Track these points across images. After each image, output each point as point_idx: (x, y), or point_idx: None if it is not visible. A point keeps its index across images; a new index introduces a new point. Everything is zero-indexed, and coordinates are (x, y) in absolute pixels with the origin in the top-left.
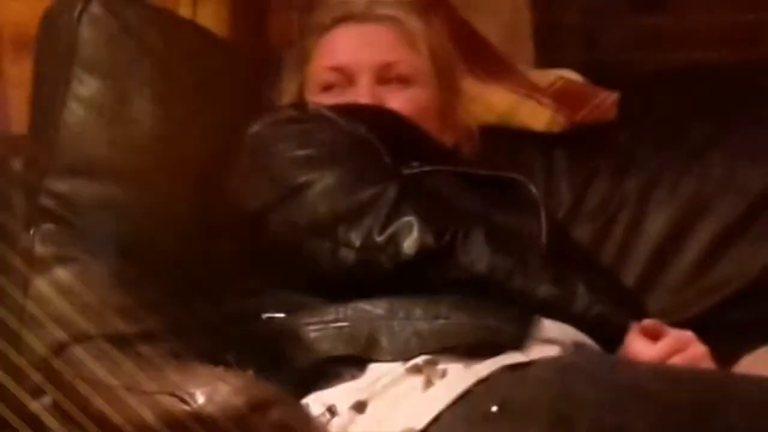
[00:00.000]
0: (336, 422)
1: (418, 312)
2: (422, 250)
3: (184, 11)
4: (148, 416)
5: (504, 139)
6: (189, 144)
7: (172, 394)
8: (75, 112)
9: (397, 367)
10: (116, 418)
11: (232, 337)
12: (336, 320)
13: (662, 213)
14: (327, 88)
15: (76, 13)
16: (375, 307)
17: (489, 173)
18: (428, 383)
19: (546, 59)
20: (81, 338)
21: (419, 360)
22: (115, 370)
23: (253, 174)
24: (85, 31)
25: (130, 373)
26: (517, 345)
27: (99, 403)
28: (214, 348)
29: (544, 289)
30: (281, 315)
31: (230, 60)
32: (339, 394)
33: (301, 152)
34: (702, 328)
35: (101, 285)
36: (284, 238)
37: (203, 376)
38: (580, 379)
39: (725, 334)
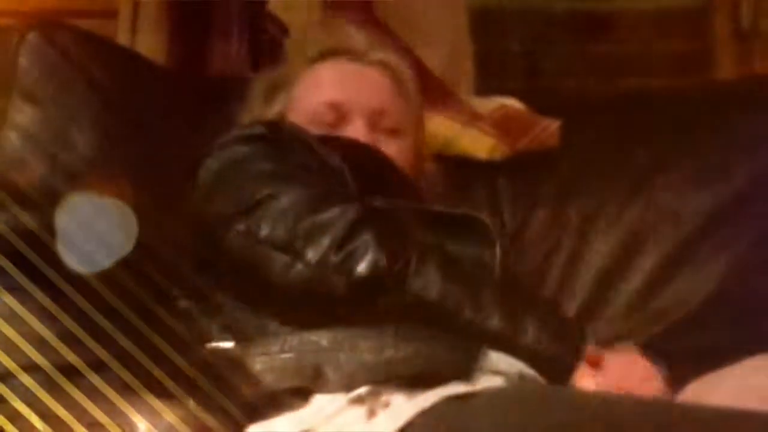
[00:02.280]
0: None
1: (363, 344)
2: (375, 272)
3: (123, 39)
4: None
5: (447, 167)
6: (127, 171)
7: (115, 426)
8: (12, 141)
9: (341, 398)
10: None
11: (177, 366)
12: (281, 351)
13: (605, 242)
14: (316, 121)
15: (15, 43)
16: (320, 338)
17: (447, 211)
18: (371, 414)
19: (487, 86)
20: (25, 368)
21: (362, 390)
22: (59, 400)
23: (218, 185)
24: (25, 60)
25: (73, 404)
26: (463, 376)
27: None
28: (159, 377)
29: (494, 322)
30: (227, 345)
31: (169, 87)
32: (283, 425)
33: (268, 167)
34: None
35: (45, 314)
36: (242, 250)
37: (146, 408)
38: (522, 409)
39: (668, 363)
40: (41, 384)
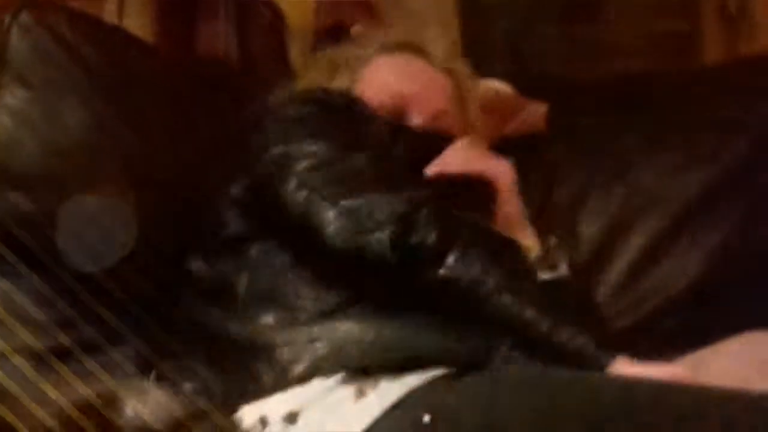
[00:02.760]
0: None
1: (387, 333)
2: (425, 246)
3: (109, 21)
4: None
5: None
6: (121, 151)
7: (100, 410)
8: (4, 123)
9: (327, 379)
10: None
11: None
12: (311, 340)
13: (592, 225)
14: (379, 106)
15: (6, 24)
16: (342, 325)
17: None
18: (360, 393)
19: (474, 70)
20: (17, 350)
21: (350, 370)
22: (51, 382)
23: (286, 137)
24: (15, 41)
25: (56, 387)
26: (476, 365)
27: (23, 419)
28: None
29: (530, 313)
30: (265, 324)
31: (160, 67)
32: (271, 405)
33: (336, 131)
34: (632, 338)
35: (39, 297)
36: (302, 206)
37: (131, 390)
38: (511, 388)
39: (655, 344)
40: (34, 366)
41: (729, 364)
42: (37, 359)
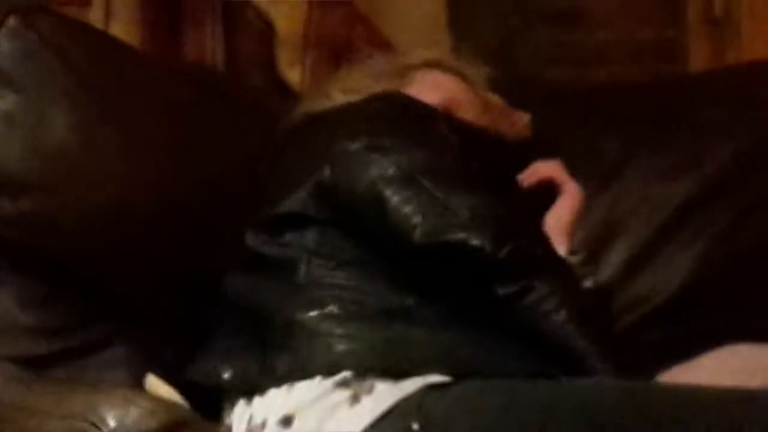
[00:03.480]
0: None
1: (445, 340)
2: (506, 261)
3: (96, 26)
4: None
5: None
6: (109, 155)
7: (84, 418)
8: None
9: (325, 382)
10: None
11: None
12: (364, 334)
13: (578, 231)
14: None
15: None
16: (399, 326)
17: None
18: (355, 399)
19: None
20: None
21: (348, 374)
22: (26, 393)
23: (364, 126)
24: (4, 45)
25: (41, 396)
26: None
27: (8, 426)
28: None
29: (582, 343)
30: (315, 313)
31: (146, 72)
32: (266, 408)
33: (413, 127)
34: (619, 346)
35: (18, 303)
36: (375, 192)
37: (115, 399)
38: (501, 395)
39: (642, 353)
40: (13, 375)
41: (711, 376)
42: (16, 366)
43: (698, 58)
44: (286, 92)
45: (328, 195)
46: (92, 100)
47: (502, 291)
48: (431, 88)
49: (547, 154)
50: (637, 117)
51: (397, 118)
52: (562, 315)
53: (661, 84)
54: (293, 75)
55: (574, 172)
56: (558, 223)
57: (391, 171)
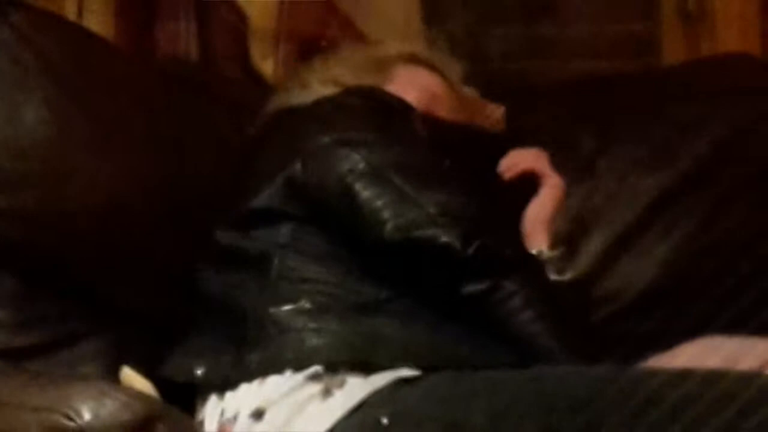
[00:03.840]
0: (234, 430)
1: (420, 334)
2: (475, 259)
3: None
4: None
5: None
6: (83, 149)
7: (58, 411)
8: None
9: (297, 376)
10: None
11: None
12: (335, 329)
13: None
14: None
15: None
16: (371, 320)
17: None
18: (327, 392)
19: None
20: None
21: (319, 368)
22: (0, 386)
23: (330, 120)
24: None
25: (15, 389)
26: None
27: None
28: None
29: (553, 343)
30: (288, 308)
31: (122, 65)
32: (238, 402)
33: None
34: (593, 341)
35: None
36: (347, 184)
37: (89, 392)
38: (471, 384)
39: (615, 347)
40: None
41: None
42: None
43: (672, 51)
44: (260, 85)
45: (300, 190)
46: (66, 94)
47: (470, 288)
48: (410, 85)
49: (523, 145)
50: (612, 110)
51: (369, 113)
52: (528, 314)
53: (635, 77)
54: (266, 68)
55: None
56: (538, 216)
57: (361, 166)
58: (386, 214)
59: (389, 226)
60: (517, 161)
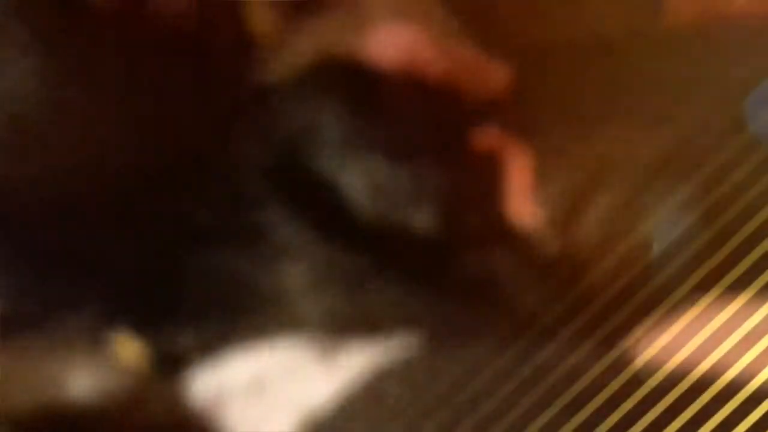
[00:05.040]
0: (230, 399)
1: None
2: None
3: None
4: None
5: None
6: (72, 116)
7: (47, 381)
8: None
9: (295, 342)
10: None
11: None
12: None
13: (545, 190)
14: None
15: None
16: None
17: None
18: (326, 358)
19: None
20: None
21: (320, 335)
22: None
23: None
24: None
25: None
26: None
27: None
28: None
29: None
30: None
31: (113, 28)
32: (234, 370)
33: None
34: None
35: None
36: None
37: (80, 361)
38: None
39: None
40: None
41: None
42: None
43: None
44: (256, 50)
45: (272, 173)
46: (53, 59)
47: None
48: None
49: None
50: (612, 73)
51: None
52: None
53: (633, 39)
54: (262, 30)
55: (543, 129)
56: (519, 188)
57: (339, 146)
58: (361, 195)
59: (366, 208)
60: (488, 134)
